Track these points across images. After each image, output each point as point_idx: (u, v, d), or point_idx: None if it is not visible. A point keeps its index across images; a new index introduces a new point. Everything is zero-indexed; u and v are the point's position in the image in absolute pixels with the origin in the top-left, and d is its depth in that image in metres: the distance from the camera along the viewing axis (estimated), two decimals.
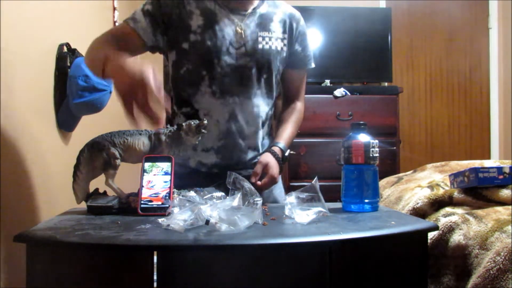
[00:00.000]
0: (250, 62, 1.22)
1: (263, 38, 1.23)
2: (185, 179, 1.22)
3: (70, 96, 1.42)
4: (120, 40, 1.15)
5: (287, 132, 1.32)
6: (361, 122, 1.06)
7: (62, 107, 1.43)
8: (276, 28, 1.26)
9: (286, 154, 1.28)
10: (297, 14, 1.32)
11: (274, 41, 1.25)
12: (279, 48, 1.26)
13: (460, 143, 3.41)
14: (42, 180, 1.31)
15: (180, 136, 1.05)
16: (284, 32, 1.27)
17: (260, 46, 1.23)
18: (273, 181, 1.20)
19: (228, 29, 1.20)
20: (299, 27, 1.31)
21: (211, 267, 0.76)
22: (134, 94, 0.88)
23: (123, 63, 0.93)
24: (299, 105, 1.40)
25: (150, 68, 0.90)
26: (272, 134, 1.39)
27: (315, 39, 2.89)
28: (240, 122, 1.24)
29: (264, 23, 1.24)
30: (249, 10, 1.23)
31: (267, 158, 1.22)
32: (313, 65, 1.37)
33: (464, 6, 3.43)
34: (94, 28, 1.97)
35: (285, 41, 1.28)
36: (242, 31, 1.21)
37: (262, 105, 1.27)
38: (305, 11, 2.95)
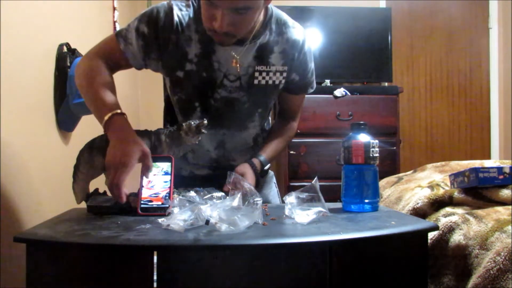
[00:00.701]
0: (244, 96, 1.17)
1: (260, 73, 1.15)
2: (179, 180, 1.24)
3: (70, 96, 1.42)
4: (109, 60, 1.10)
5: (272, 147, 1.27)
6: (361, 122, 1.06)
7: (62, 107, 1.43)
8: (276, 61, 1.16)
9: (266, 167, 1.24)
10: (302, 39, 1.19)
11: (272, 75, 1.16)
12: (276, 82, 1.18)
13: (460, 143, 3.41)
14: (42, 180, 1.31)
15: (180, 136, 1.05)
16: (284, 64, 1.18)
17: (255, 81, 1.15)
18: None
19: (224, 60, 1.12)
20: (301, 55, 1.20)
21: (211, 267, 0.76)
22: (115, 169, 0.92)
23: (122, 138, 0.95)
24: (292, 124, 1.35)
25: (137, 155, 0.93)
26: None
27: (315, 39, 2.89)
28: (228, 149, 1.24)
29: (263, 56, 1.15)
30: (248, 41, 1.12)
31: (244, 168, 1.17)
32: (311, 91, 1.29)
33: (464, 6, 3.43)
34: (94, 28, 1.97)
35: (285, 74, 1.19)
36: (238, 65, 1.12)
37: (253, 134, 1.26)
38: (305, 11, 2.96)
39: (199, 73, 1.12)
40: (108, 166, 0.93)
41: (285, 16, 1.20)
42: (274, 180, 1.42)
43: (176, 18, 1.08)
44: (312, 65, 1.26)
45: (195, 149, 1.21)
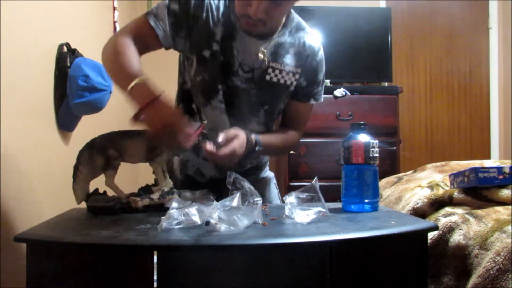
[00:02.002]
0: (253, 89, 1.17)
1: (273, 70, 1.16)
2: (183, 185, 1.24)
3: (70, 96, 1.42)
4: (138, 39, 1.07)
5: (270, 138, 1.21)
6: (361, 122, 1.06)
7: (62, 107, 1.43)
8: (290, 61, 1.18)
9: (257, 148, 1.15)
10: (317, 47, 1.23)
11: (284, 74, 1.18)
12: (288, 82, 1.19)
13: (460, 143, 3.41)
14: (42, 180, 1.31)
15: None
16: (297, 66, 1.20)
17: (267, 77, 1.16)
18: (231, 156, 1.02)
19: (242, 49, 1.13)
20: (313, 61, 1.22)
21: (211, 267, 0.76)
22: (162, 139, 0.91)
23: (162, 113, 0.90)
24: (293, 132, 1.29)
25: (183, 123, 0.90)
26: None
27: None
28: None
29: (278, 54, 1.17)
30: (267, 36, 1.15)
31: (239, 132, 1.07)
32: (313, 102, 1.26)
33: (464, 6, 3.42)
34: (94, 28, 1.97)
35: (297, 76, 1.20)
36: (266, 58, 1.14)
37: (256, 130, 1.21)
38: (305, 11, 2.95)
39: (222, 55, 1.12)
40: (155, 136, 0.91)
41: (304, 23, 1.23)
42: (274, 181, 1.42)
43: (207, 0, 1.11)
44: (321, 77, 1.26)
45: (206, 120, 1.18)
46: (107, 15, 2.20)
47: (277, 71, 1.17)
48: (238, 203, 0.87)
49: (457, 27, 3.42)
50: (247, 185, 0.96)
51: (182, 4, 1.09)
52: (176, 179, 1.06)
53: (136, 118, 0.90)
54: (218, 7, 1.12)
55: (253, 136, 1.14)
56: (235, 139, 1.04)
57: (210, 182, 1.26)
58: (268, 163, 1.42)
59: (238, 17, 1.09)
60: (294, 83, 1.20)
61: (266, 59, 1.14)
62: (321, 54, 1.24)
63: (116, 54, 1.02)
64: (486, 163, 1.65)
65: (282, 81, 1.18)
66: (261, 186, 1.34)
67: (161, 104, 0.90)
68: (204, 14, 1.10)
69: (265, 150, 1.19)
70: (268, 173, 1.41)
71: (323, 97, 1.29)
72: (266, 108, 1.21)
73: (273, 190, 1.39)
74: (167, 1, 1.09)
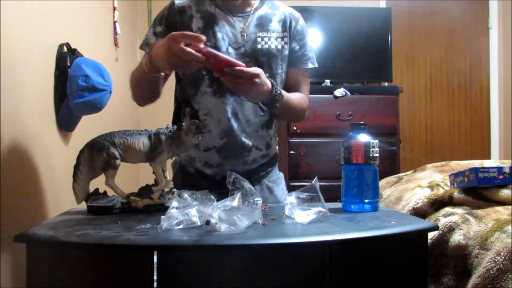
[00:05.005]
0: (250, 62, 1.21)
1: (262, 38, 1.25)
2: (190, 182, 1.25)
3: (70, 96, 1.42)
4: None
5: (288, 94, 1.23)
6: (361, 122, 1.06)
7: (62, 107, 1.43)
8: (276, 28, 1.27)
9: (276, 95, 1.15)
10: (297, 14, 1.33)
11: (273, 40, 1.26)
12: (279, 47, 1.26)
13: (460, 143, 3.41)
14: (42, 180, 1.31)
15: (180, 136, 1.05)
16: (284, 30, 1.28)
17: (259, 46, 1.24)
18: (250, 81, 1.05)
19: (227, 30, 1.22)
20: (298, 25, 1.31)
21: (211, 267, 0.76)
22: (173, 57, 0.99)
23: (155, 51, 1.04)
24: (303, 95, 1.33)
25: (167, 44, 0.99)
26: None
27: (315, 39, 2.89)
28: (241, 121, 1.23)
29: (262, 24, 1.26)
30: (248, 12, 1.26)
31: (261, 72, 1.09)
32: (311, 66, 1.33)
33: (464, 6, 3.42)
34: (94, 28, 1.97)
35: (286, 39, 1.28)
36: (245, 34, 1.23)
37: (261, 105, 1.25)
38: (305, 11, 2.94)
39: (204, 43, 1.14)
40: (167, 61, 1.01)
41: (278, 1, 1.35)
42: (283, 181, 1.42)
43: (176, 5, 1.24)
44: (309, 41, 1.34)
45: (206, 119, 1.20)
46: (107, 15, 2.20)
47: (266, 39, 1.26)
48: (238, 203, 0.87)
49: (457, 27, 3.42)
50: (247, 185, 0.96)
51: (162, 23, 1.24)
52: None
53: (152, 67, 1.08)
54: (190, 6, 1.24)
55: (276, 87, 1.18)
56: (256, 74, 1.08)
57: (218, 168, 1.26)
58: (278, 163, 1.42)
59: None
60: (286, 46, 1.28)
61: (245, 34, 1.23)
62: (303, 20, 1.33)
63: (131, 81, 1.25)
64: (486, 163, 1.65)
65: (273, 46, 1.26)
66: (274, 186, 1.35)
67: (155, 46, 1.06)
68: (179, 17, 1.22)
69: (284, 104, 1.21)
70: (278, 172, 1.41)
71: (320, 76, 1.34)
72: (267, 77, 1.21)
73: (285, 191, 1.39)
74: (151, 29, 1.25)
